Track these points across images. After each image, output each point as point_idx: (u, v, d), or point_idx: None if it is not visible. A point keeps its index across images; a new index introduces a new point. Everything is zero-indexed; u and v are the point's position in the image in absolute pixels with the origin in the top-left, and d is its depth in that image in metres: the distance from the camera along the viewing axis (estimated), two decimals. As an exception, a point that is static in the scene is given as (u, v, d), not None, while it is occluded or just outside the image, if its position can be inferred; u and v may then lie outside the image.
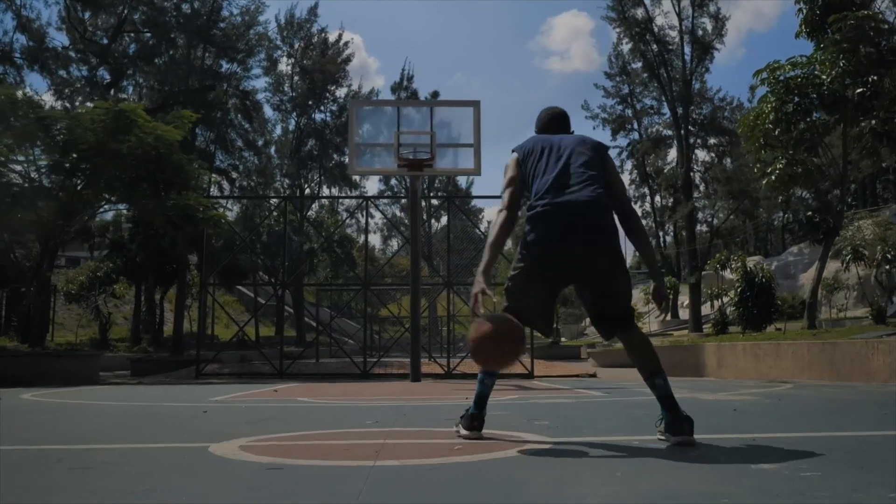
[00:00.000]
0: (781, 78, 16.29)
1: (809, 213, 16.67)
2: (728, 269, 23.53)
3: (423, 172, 10.43)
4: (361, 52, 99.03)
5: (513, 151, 3.38)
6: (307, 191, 38.74)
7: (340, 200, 44.08)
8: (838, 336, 12.28)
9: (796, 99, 16.20)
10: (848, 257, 16.89)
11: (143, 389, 9.91)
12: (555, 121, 3.59)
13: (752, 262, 21.75)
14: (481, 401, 3.22)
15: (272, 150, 38.72)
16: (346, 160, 40.12)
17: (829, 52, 15.63)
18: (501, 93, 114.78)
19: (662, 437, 3.04)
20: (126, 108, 14.53)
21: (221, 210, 17.40)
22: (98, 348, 24.70)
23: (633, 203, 3.49)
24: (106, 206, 18.52)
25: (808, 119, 16.38)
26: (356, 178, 41.82)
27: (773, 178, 16.83)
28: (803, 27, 17.37)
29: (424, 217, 41.15)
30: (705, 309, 33.75)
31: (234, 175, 33.96)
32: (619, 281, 3.12)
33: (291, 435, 3.52)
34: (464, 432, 3.21)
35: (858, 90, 15.43)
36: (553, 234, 3.05)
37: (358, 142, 11.16)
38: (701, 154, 39.85)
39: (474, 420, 3.20)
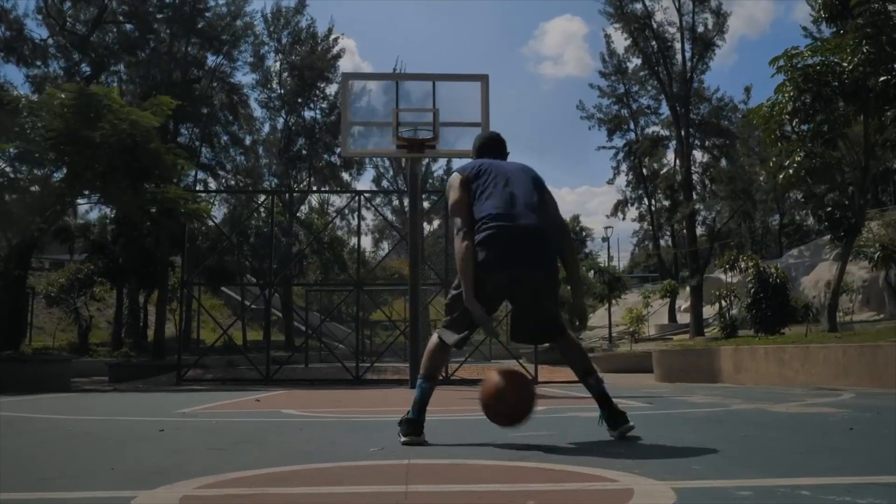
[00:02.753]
0: (800, 65, 15.34)
1: (829, 208, 15.67)
2: (737, 270, 22.53)
3: (425, 154, 9.31)
4: (355, 57, 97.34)
5: (455, 171, 3.49)
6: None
7: (331, 202, 43.05)
8: (872, 338, 11.29)
9: (813, 87, 15.26)
10: (877, 255, 15.91)
11: (108, 398, 8.80)
12: (491, 145, 3.68)
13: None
14: (421, 406, 3.20)
15: (260, 150, 37.51)
16: (337, 159, 39.62)
17: (851, 38, 14.71)
18: (495, 98, 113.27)
19: (613, 436, 3.22)
20: (98, 91, 13.39)
21: (205, 204, 16.22)
22: (77, 353, 23.61)
23: (567, 230, 3.78)
24: (81, 201, 17.37)
25: (828, 109, 15.43)
26: (347, 178, 40.82)
27: (790, 172, 15.89)
28: (822, 12, 16.45)
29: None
30: (704, 312, 32.82)
31: (222, 173, 32.70)
32: (550, 302, 3.31)
33: (267, 473, 2.43)
34: (404, 438, 3.15)
35: (882, 78, 14.51)
36: (498, 257, 3.15)
37: (352, 120, 10.04)
38: (698, 155, 39.05)
39: (412, 425, 3.17)
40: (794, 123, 15.46)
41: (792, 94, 15.11)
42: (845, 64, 14.78)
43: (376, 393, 9.54)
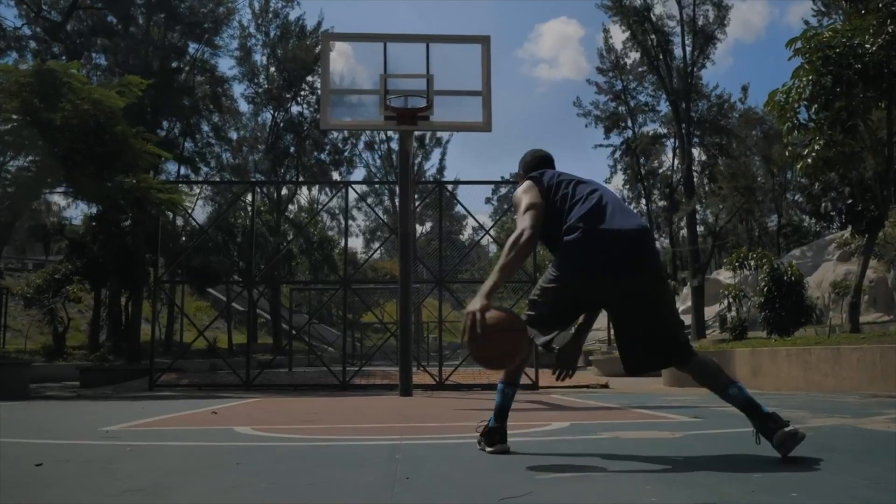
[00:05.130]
0: (819, 48, 14.31)
1: (850, 200, 14.62)
2: (745, 269, 21.43)
3: (418, 127, 8.09)
4: (350, 60, 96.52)
5: (528, 178, 3.23)
6: (283, 190, 36.25)
7: (320, 201, 41.90)
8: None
9: (833, 70, 14.25)
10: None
11: (51, 407, 7.62)
12: (548, 161, 3.54)
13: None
14: (503, 413, 3.12)
15: (245, 148, 36.24)
16: (326, 157, 38.41)
17: (874, 18, 13.73)
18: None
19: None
20: (55, 66, 12.14)
21: (180, 195, 14.95)
22: (52, 356, 22.45)
23: None
24: (53, 191, 16.14)
25: (848, 95, 14.40)
26: (336, 177, 39.58)
27: (808, 161, 14.88)
28: (842, -8, 15.46)
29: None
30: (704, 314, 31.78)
31: (206, 169, 31.34)
32: (663, 312, 2.97)
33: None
34: (489, 449, 3.07)
35: (904, 62, 13.51)
36: (599, 261, 2.90)
37: (333, 87, 8.86)
38: (696, 153, 38.08)
39: (496, 434, 3.09)
40: (811, 110, 14.47)
41: (811, 77, 14.12)
42: (867, 45, 13.81)
43: (362, 400, 8.42)
